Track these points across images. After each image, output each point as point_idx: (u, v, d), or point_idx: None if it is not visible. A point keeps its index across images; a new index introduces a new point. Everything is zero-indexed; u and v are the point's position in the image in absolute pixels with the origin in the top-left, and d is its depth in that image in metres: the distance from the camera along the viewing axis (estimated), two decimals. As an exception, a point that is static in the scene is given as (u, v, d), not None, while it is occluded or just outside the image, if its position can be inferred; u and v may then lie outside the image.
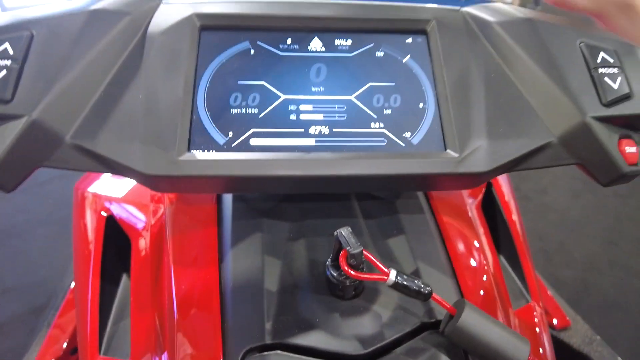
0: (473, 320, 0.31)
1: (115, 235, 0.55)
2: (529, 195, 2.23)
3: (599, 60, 0.35)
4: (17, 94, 0.30)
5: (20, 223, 1.84)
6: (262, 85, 0.36)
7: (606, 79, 0.35)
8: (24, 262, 1.65)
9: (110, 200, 0.59)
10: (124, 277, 0.56)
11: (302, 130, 0.35)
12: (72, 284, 0.91)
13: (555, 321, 0.89)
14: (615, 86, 0.34)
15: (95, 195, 0.62)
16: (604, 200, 2.18)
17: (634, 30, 0.40)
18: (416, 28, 0.40)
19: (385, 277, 0.33)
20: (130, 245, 0.52)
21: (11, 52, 0.31)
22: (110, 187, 0.62)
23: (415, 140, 0.36)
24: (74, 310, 0.84)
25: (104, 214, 0.57)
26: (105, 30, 0.34)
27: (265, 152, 0.34)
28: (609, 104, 0.34)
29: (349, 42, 0.39)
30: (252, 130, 0.35)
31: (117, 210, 0.57)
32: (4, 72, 0.30)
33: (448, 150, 0.35)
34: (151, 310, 0.43)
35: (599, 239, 1.93)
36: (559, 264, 1.79)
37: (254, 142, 0.35)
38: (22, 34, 0.32)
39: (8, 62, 0.30)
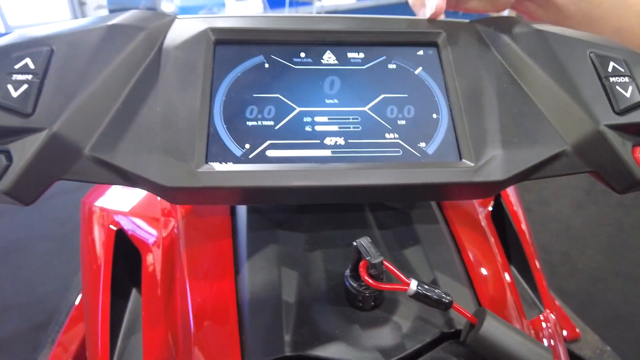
0: (495, 329, 0.31)
1: (125, 249, 0.54)
2: (532, 207, 2.23)
3: (609, 70, 0.36)
4: (37, 107, 0.30)
5: (21, 239, 1.83)
6: (277, 97, 0.37)
7: (618, 87, 0.35)
8: (25, 278, 1.64)
9: (120, 214, 0.59)
10: (134, 292, 0.55)
11: (318, 141, 0.36)
12: (77, 300, 0.90)
13: (564, 333, 0.88)
14: (628, 95, 0.35)
15: (103, 210, 0.61)
16: (607, 211, 2.18)
17: (541, 12, 0.47)
18: (427, 40, 0.40)
19: (406, 287, 0.32)
20: (140, 259, 0.51)
21: (32, 66, 0.31)
22: (118, 200, 0.62)
23: (431, 150, 0.36)
24: (78, 327, 0.83)
25: (113, 227, 0.57)
26: (122, 45, 0.34)
27: (282, 163, 0.34)
28: (622, 112, 0.34)
29: (362, 55, 0.39)
30: (269, 142, 0.35)
31: (126, 223, 0.57)
32: (25, 86, 0.30)
33: (464, 160, 0.35)
34: (164, 324, 0.43)
35: (603, 250, 1.92)
36: (563, 275, 1.78)
37: (270, 153, 0.35)
38: (42, 49, 0.32)
39: (29, 77, 0.31)
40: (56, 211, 1.96)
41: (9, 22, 3.84)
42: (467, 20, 0.42)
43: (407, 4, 0.46)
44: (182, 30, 0.38)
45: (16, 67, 0.31)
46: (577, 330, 0.88)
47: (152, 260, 0.50)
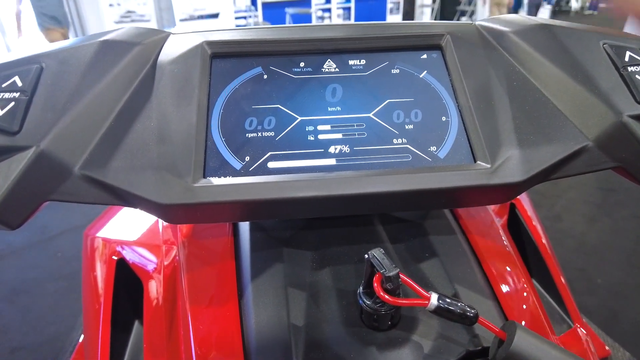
0: (527, 344, 0.28)
1: (126, 279, 0.52)
2: (544, 223, 2.18)
3: (627, 59, 0.34)
4: (25, 125, 0.29)
5: (29, 279, 1.81)
6: (278, 108, 0.35)
7: (638, 76, 0.33)
8: (33, 319, 1.61)
9: (121, 243, 0.57)
10: (136, 323, 0.53)
11: (322, 150, 0.34)
12: (81, 338, 0.87)
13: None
14: None
15: (105, 240, 0.60)
16: (622, 223, 2.12)
17: None
18: (430, 44, 0.39)
19: (426, 302, 0.30)
20: (142, 289, 0.49)
21: (20, 84, 0.30)
22: (119, 230, 0.61)
23: (442, 154, 0.34)
24: (84, 366, 0.80)
25: (114, 257, 0.55)
26: (115, 60, 0.33)
27: (285, 175, 0.32)
28: None
29: (363, 61, 0.38)
30: (270, 153, 0.33)
31: (128, 253, 0.55)
32: (12, 104, 0.29)
33: (478, 162, 0.33)
34: (166, 356, 0.40)
35: (621, 264, 1.86)
36: (582, 291, 1.72)
37: (272, 165, 0.33)
38: (32, 67, 0.31)
39: (16, 94, 0.30)
40: (65, 249, 1.95)
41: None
42: (470, 22, 0.41)
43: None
44: (177, 45, 0.37)
45: (3, 85, 0.30)
46: (607, 347, 0.83)
47: (154, 289, 0.48)
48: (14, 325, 1.59)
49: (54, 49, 0.33)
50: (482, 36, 0.39)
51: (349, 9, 6.65)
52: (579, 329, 0.49)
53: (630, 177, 0.35)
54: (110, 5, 4.63)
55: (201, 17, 5.16)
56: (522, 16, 0.40)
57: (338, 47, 0.38)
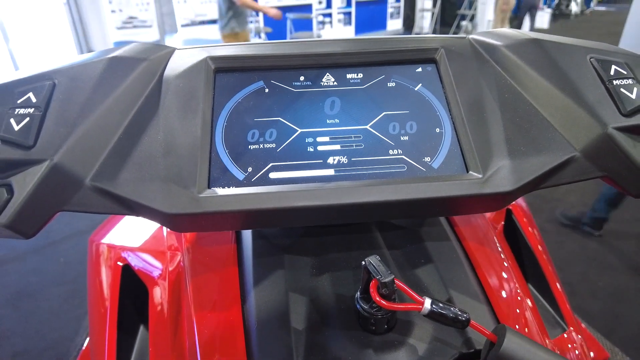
0: (517, 346, 0.29)
1: (132, 285, 0.54)
2: (545, 226, 2.19)
3: (612, 73, 0.35)
4: (39, 139, 0.30)
5: (33, 283, 1.82)
6: (279, 120, 0.37)
7: (622, 90, 0.35)
8: (36, 323, 1.62)
9: (126, 249, 0.58)
10: (142, 328, 0.54)
11: (321, 161, 0.35)
12: (85, 343, 0.88)
13: (591, 354, 0.84)
14: (633, 96, 0.34)
15: (110, 246, 0.61)
16: (624, 226, 2.13)
17: None
18: (425, 57, 0.40)
19: (420, 306, 0.31)
20: (147, 295, 0.50)
21: (34, 100, 0.32)
22: (124, 236, 0.62)
23: (436, 164, 0.36)
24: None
25: (119, 263, 0.56)
26: (123, 76, 0.35)
27: (286, 185, 0.34)
28: (629, 114, 0.34)
29: (360, 75, 0.40)
30: (271, 164, 0.35)
31: (133, 259, 0.56)
32: (27, 119, 0.31)
33: (471, 172, 0.35)
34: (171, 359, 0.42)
35: (622, 267, 1.87)
36: (583, 295, 1.72)
37: (273, 175, 0.34)
38: (45, 83, 0.33)
39: (31, 110, 0.31)
40: (68, 254, 1.97)
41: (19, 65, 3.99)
42: (464, 36, 0.42)
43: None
44: (182, 60, 0.38)
45: (19, 101, 0.31)
46: (606, 351, 0.84)
47: (159, 294, 0.49)
48: (17, 330, 1.60)
49: (65, 65, 0.34)
50: (475, 50, 0.40)
51: (349, 13, 6.68)
52: (572, 332, 0.50)
53: (616, 186, 0.36)
54: (113, 11, 4.66)
55: (203, 22, 5.19)
56: (514, 30, 0.41)
57: (336, 62, 0.40)
